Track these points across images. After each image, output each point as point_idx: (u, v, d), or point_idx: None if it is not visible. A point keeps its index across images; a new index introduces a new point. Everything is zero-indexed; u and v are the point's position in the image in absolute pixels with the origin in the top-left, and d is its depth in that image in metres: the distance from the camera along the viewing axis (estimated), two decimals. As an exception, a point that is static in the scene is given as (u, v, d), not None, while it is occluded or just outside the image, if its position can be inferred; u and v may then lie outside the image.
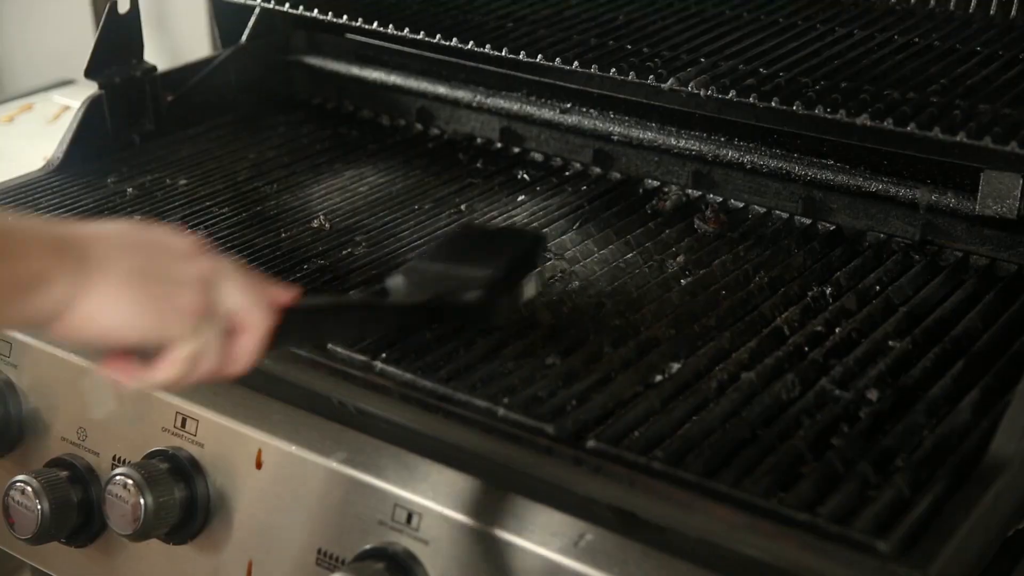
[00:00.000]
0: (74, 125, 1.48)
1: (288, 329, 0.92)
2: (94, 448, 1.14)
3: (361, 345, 1.08)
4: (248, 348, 0.89)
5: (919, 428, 0.98)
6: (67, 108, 1.93)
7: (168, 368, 0.86)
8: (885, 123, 1.14)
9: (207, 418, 1.08)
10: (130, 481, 1.04)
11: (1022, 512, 1.04)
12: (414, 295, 1.04)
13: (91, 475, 1.14)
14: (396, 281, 1.06)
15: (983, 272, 1.22)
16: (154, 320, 0.84)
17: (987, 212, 1.18)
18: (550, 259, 1.23)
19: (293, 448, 1.03)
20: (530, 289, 1.10)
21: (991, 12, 1.36)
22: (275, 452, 1.04)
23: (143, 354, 0.86)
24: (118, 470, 1.06)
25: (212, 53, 1.81)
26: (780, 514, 0.87)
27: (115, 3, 1.46)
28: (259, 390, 1.09)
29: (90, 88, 1.51)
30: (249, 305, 0.88)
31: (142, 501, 1.04)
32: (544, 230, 1.31)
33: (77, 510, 1.12)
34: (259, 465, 1.05)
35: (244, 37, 1.65)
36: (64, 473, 1.13)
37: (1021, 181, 1.14)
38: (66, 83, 2.05)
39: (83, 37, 2.32)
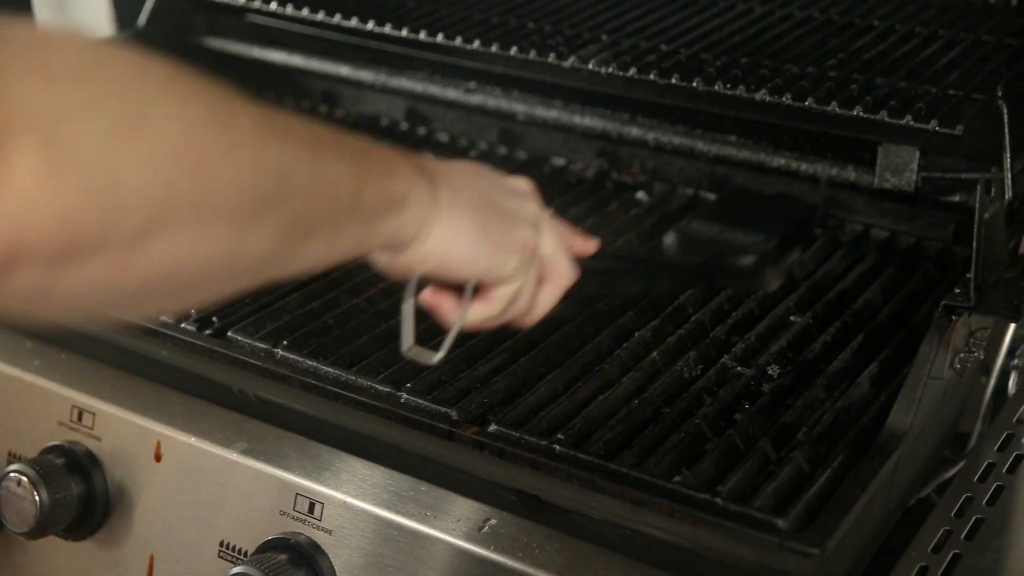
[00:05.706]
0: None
1: (584, 282, 0.93)
2: (-12, 445, 1.11)
3: (262, 332, 1.06)
4: (550, 298, 0.90)
5: (819, 403, 0.99)
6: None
7: (488, 305, 0.87)
8: (783, 98, 1.15)
9: (104, 411, 1.05)
10: (24, 478, 1.02)
11: (922, 482, 1.06)
12: (688, 256, 1.06)
13: (-14, 473, 1.11)
14: (670, 241, 1.09)
15: (883, 245, 1.23)
16: (491, 254, 0.84)
17: (886, 185, 1.19)
18: None
19: (192, 439, 1.01)
20: (797, 252, 1.11)
21: (889, -14, 1.38)
22: (174, 444, 1.02)
23: (463, 291, 0.86)
24: (12, 467, 1.03)
25: (113, 35, 1.77)
26: (680, 494, 0.87)
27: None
28: (157, 380, 1.07)
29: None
30: (560, 255, 0.89)
31: (38, 498, 1.02)
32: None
33: (-28, 509, 1.09)
34: (158, 458, 1.03)
35: (142, 19, 1.61)
36: (-42, 472, 1.10)
37: (918, 154, 1.15)
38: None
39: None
